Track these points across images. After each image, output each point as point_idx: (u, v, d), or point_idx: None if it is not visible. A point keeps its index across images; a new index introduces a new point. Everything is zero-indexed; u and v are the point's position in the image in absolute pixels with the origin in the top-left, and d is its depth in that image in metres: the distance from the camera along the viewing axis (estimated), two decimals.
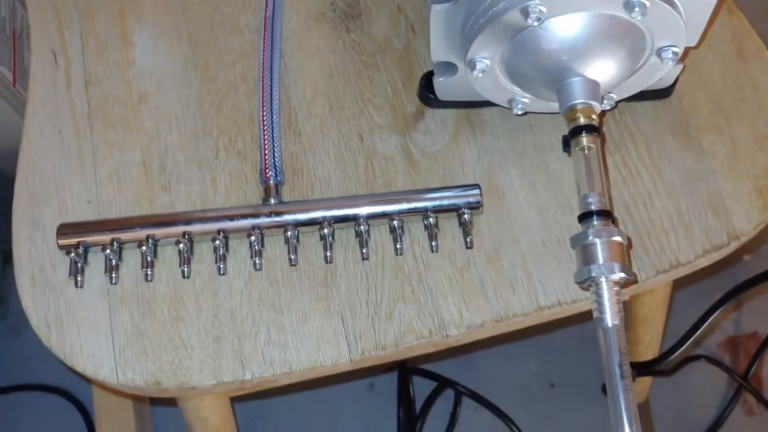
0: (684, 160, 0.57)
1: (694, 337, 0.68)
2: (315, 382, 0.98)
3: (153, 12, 0.63)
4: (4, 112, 0.94)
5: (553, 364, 0.99)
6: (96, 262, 0.55)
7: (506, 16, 0.45)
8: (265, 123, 0.57)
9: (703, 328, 0.68)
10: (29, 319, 0.54)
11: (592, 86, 0.48)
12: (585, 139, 0.47)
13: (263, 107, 0.57)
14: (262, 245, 0.55)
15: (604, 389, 0.89)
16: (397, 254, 0.55)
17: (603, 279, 0.45)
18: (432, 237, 0.55)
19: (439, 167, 0.58)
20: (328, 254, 0.54)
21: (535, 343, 1.00)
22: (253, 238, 0.54)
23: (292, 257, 0.54)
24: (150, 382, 0.53)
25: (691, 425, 0.97)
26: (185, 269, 0.54)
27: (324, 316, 0.54)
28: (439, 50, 0.51)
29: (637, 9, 0.45)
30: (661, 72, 0.50)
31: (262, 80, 0.58)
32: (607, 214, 0.46)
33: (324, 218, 0.55)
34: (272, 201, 0.56)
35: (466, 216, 0.54)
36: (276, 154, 0.57)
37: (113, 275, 0.54)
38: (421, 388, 0.93)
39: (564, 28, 0.46)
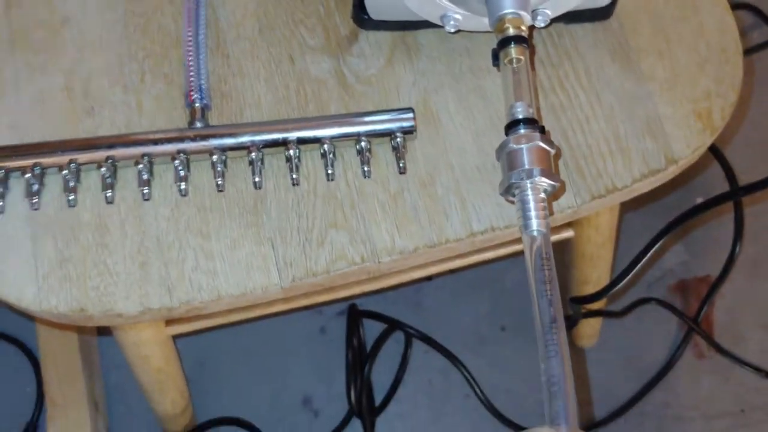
0: (623, 83, 0.56)
1: (635, 270, 0.68)
2: (266, 328, 0.98)
3: None
4: None
5: (503, 307, 0.99)
6: (17, 187, 0.53)
7: None
8: (190, 43, 0.55)
9: (644, 260, 0.67)
10: None
11: None
12: (513, 50, 0.46)
13: (189, 26, 0.55)
14: (188, 170, 0.53)
15: None
16: (329, 180, 0.54)
17: (527, 184, 0.44)
18: (364, 162, 0.53)
19: (374, 91, 0.56)
20: (256, 179, 0.53)
21: (486, 286, 0.99)
22: (177, 162, 0.52)
23: (219, 182, 0.53)
24: (74, 309, 0.51)
25: (641, 368, 0.98)
26: (108, 194, 0.52)
27: (254, 244, 0.53)
28: None
29: None
30: None
31: None
32: (533, 122, 0.45)
33: (252, 142, 0.53)
34: (198, 125, 0.54)
35: (398, 140, 0.53)
36: (202, 76, 0.55)
37: (34, 201, 0.52)
38: (372, 331, 0.92)
39: None
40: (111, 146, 0.52)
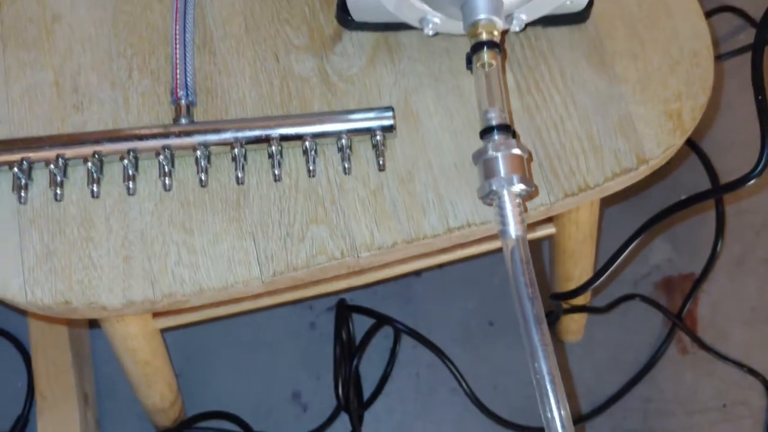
0: (597, 84, 0.57)
1: (615, 265, 0.69)
2: (256, 323, 0.99)
3: None
4: None
5: (491, 303, 1.00)
6: (5, 181, 0.55)
7: None
8: (177, 40, 0.57)
9: (624, 255, 0.68)
10: None
11: (495, 2, 0.48)
12: (486, 55, 0.47)
13: (176, 23, 0.57)
14: (173, 165, 0.55)
15: None
16: (310, 176, 0.55)
17: (504, 191, 0.46)
18: (345, 159, 0.55)
19: (356, 90, 0.58)
20: (239, 175, 0.54)
21: (475, 282, 1.01)
22: (162, 157, 0.54)
23: (203, 178, 0.54)
24: (59, 302, 0.53)
25: (626, 364, 0.99)
26: (94, 189, 0.54)
27: (236, 238, 0.54)
28: None
29: None
30: None
31: None
32: (506, 128, 0.47)
33: (236, 139, 0.54)
34: (183, 121, 0.55)
35: (378, 137, 0.55)
36: (188, 73, 0.56)
37: (22, 195, 0.53)
38: (361, 326, 0.94)
39: None
40: (97, 141, 0.54)
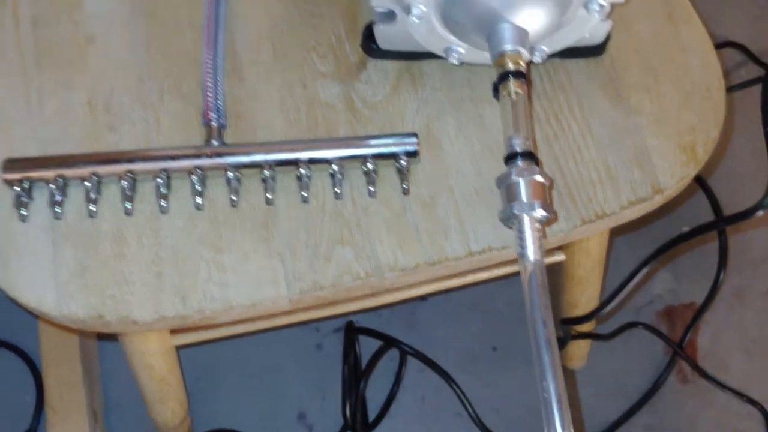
0: (613, 116, 0.60)
1: (622, 294, 0.71)
2: (264, 343, 1.00)
3: None
4: None
5: (495, 327, 1.02)
6: (40, 197, 0.56)
7: None
8: (209, 64, 0.59)
9: (631, 285, 0.70)
10: None
11: (521, 33, 0.50)
12: (512, 84, 0.49)
13: (208, 48, 0.59)
14: (204, 185, 0.56)
15: None
16: (337, 198, 0.57)
17: (525, 216, 0.48)
18: (370, 182, 0.57)
19: (380, 117, 0.60)
20: (269, 196, 0.56)
21: (479, 307, 1.02)
22: (194, 177, 0.55)
23: (233, 198, 0.56)
24: (92, 316, 0.54)
25: (627, 391, 1.00)
26: (128, 206, 0.55)
27: (264, 257, 0.56)
28: None
29: None
30: (588, 25, 0.53)
31: (208, 22, 0.60)
32: (530, 155, 0.49)
33: (265, 161, 0.56)
34: (214, 143, 0.57)
35: (403, 162, 0.56)
36: (219, 97, 0.58)
37: (57, 210, 0.55)
38: (368, 348, 0.95)
39: None
40: (132, 160, 0.55)
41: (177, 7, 0.62)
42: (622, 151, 0.59)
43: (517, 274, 0.53)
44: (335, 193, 0.56)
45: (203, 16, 0.61)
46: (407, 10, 0.51)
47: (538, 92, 0.60)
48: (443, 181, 0.58)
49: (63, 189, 0.55)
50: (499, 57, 0.50)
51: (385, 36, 0.57)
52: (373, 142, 0.57)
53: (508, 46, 0.49)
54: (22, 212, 0.55)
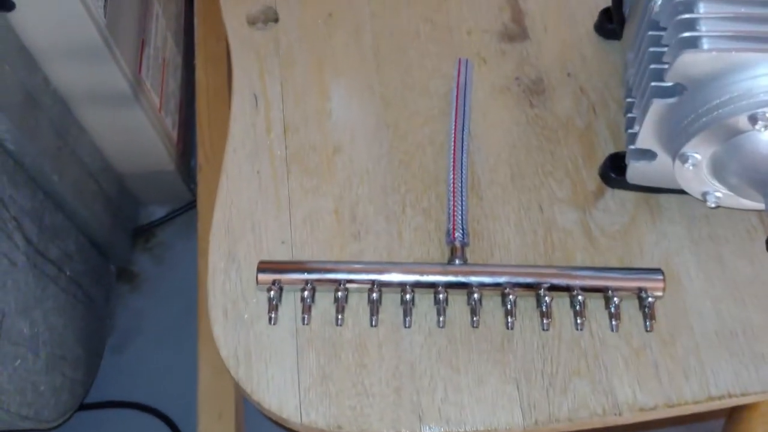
0: None
1: None
2: None
3: (349, 68, 0.67)
4: (148, 135, 0.98)
5: None
6: (287, 301, 0.57)
7: (732, 119, 0.48)
8: (455, 185, 0.60)
9: None
10: (219, 350, 0.56)
11: None
12: None
13: (454, 170, 0.60)
14: (447, 304, 0.57)
15: None
16: (578, 329, 0.57)
17: None
18: (614, 316, 0.56)
19: (618, 246, 0.60)
20: (509, 320, 0.56)
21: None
22: (441, 296, 0.56)
23: (475, 318, 0.56)
24: (332, 425, 0.54)
25: None
26: (374, 318, 0.56)
27: (499, 381, 0.56)
28: (646, 139, 0.54)
29: None
30: None
31: (454, 145, 0.61)
32: None
33: (508, 284, 0.57)
34: (457, 261, 0.58)
35: (650, 300, 0.56)
36: (463, 217, 0.59)
37: (306, 316, 0.56)
38: None
39: None
40: (381, 273, 0.56)
41: (419, 124, 0.64)
42: None
43: None
44: (576, 323, 0.56)
45: (447, 137, 0.63)
46: (682, 158, 0.51)
47: None
48: (683, 319, 0.57)
49: (312, 295, 0.57)
50: None
51: (638, 172, 0.57)
52: (618, 275, 0.57)
53: None
54: (272, 315, 0.56)
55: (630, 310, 0.58)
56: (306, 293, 0.56)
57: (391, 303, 0.58)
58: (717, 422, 0.97)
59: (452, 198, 0.60)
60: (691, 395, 0.55)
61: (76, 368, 0.96)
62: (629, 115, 0.57)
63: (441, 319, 0.56)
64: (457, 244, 0.58)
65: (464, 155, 0.61)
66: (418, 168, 0.63)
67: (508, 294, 0.56)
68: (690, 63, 0.48)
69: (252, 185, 0.61)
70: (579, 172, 0.63)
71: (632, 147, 0.56)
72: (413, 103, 0.65)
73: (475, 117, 0.65)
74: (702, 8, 0.49)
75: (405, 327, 0.56)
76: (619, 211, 0.61)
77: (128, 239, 1.14)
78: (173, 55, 1.09)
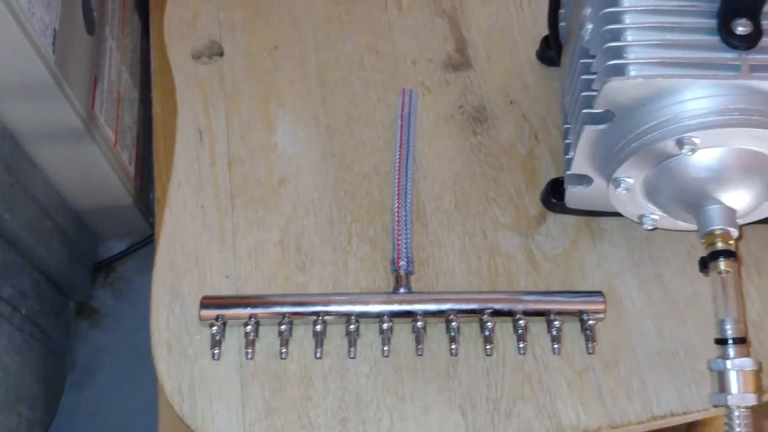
0: None
1: None
2: None
3: (294, 100, 0.67)
4: (103, 170, 0.97)
5: None
6: (231, 336, 0.57)
7: (660, 144, 0.49)
8: (399, 215, 0.60)
9: None
10: (164, 387, 0.56)
11: (730, 213, 0.51)
12: (723, 264, 0.50)
13: (398, 200, 0.61)
14: (392, 333, 0.57)
15: None
16: (520, 353, 0.57)
17: (736, 411, 0.48)
18: (556, 340, 0.57)
19: (560, 270, 0.61)
20: (453, 347, 0.57)
21: None
22: (386, 325, 0.56)
23: (420, 347, 0.57)
24: None
25: None
26: (319, 350, 0.56)
27: (445, 408, 0.56)
28: (580, 164, 0.55)
29: None
30: None
31: (398, 174, 0.62)
32: (742, 341, 0.49)
33: (452, 311, 0.57)
34: (402, 290, 0.58)
35: (590, 322, 0.57)
36: (408, 245, 0.60)
37: (249, 351, 0.56)
38: None
39: (711, 159, 0.49)
40: (326, 304, 0.57)
41: (364, 154, 0.65)
42: None
43: None
44: (519, 347, 0.57)
45: (391, 165, 0.64)
46: (615, 182, 0.52)
47: None
48: (624, 340, 0.58)
49: (256, 330, 0.57)
50: (708, 235, 0.50)
51: (576, 197, 0.58)
52: (559, 298, 0.58)
53: (719, 226, 0.50)
54: (215, 351, 0.56)
55: (573, 333, 0.58)
56: (249, 328, 0.56)
57: (336, 334, 0.58)
58: None
59: (396, 227, 0.60)
60: (635, 416, 0.56)
61: (33, 407, 0.95)
62: (566, 141, 0.59)
63: (386, 348, 0.57)
64: (402, 272, 0.59)
65: (408, 184, 0.62)
66: (364, 197, 0.63)
67: (452, 321, 0.57)
68: (617, 90, 0.49)
69: (196, 220, 0.62)
70: (522, 198, 0.64)
71: (569, 172, 0.57)
72: (359, 133, 0.66)
73: (419, 146, 0.66)
74: (629, 36, 0.51)
75: (350, 357, 0.57)
76: (560, 235, 0.62)
77: (88, 275, 1.13)
78: (128, 90, 1.09)
